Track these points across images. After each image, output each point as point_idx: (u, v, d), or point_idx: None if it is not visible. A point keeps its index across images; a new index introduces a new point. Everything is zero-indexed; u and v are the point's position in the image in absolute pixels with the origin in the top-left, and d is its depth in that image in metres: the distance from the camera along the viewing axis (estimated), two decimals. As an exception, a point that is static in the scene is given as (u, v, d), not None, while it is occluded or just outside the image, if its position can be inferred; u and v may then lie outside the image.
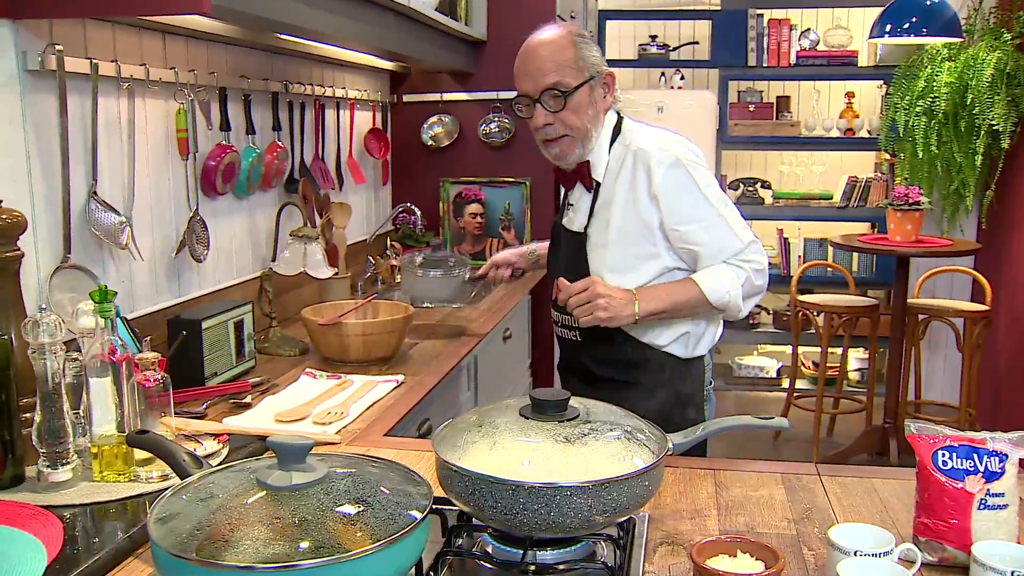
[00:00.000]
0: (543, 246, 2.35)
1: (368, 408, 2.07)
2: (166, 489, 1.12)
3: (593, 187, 2.00)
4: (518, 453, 1.21)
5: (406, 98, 3.90)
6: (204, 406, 2.05)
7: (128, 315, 2.18)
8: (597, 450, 1.22)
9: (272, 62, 2.88)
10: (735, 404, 5.31)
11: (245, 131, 2.71)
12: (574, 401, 1.31)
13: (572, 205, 2.08)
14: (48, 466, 1.46)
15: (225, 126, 2.56)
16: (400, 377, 2.28)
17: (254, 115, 2.74)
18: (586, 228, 2.02)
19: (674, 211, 1.91)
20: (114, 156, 2.15)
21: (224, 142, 2.56)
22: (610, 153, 1.99)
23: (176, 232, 2.41)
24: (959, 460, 1.22)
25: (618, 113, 2.05)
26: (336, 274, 2.72)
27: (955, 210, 4.68)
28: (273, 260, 2.71)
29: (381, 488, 1.09)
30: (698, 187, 1.92)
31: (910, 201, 4.04)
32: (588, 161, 1.99)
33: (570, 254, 2.05)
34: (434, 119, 3.90)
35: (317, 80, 3.19)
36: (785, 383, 5.44)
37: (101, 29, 2.08)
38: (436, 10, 3.15)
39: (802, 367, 5.38)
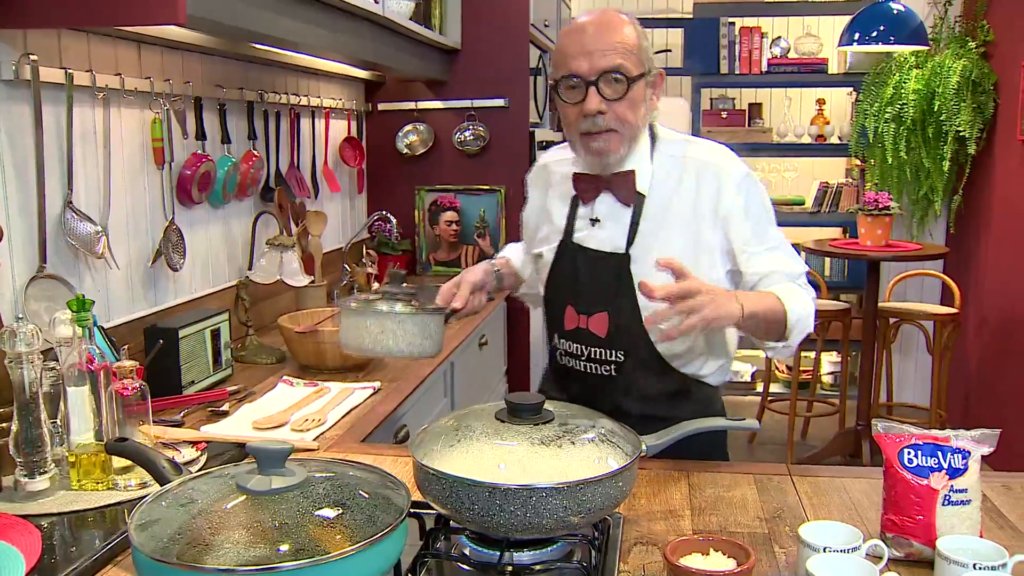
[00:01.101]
0: (503, 261, 2.05)
1: (345, 415, 2.08)
2: (145, 496, 1.13)
3: (634, 200, 1.75)
4: (494, 456, 1.23)
5: (381, 106, 3.92)
6: (182, 415, 2.06)
7: (104, 324, 2.18)
8: (572, 452, 1.24)
9: (247, 71, 2.89)
10: (710, 408, 5.35)
11: (221, 140, 2.71)
12: (549, 404, 1.33)
13: (598, 221, 1.78)
14: (25, 475, 1.46)
15: (201, 135, 2.57)
16: (376, 384, 2.29)
17: (229, 124, 2.75)
18: (628, 248, 1.75)
19: (744, 232, 1.72)
20: (89, 166, 2.15)
21: (200, 151, 2.56)
22: (653, 162, 1.76)
23: (152, 241, 2.41)
24: (924, 458, 1.26)
25: None
26: (312, 282, 2.73)
27: (924, 215, 4.75)
28: (249, 269, 2.72)
29: (359, 492, 1.11)
30: (766, 206, 1.77)
31: (880, 206, 4.10)
32: (633, 170, 1.74)
33: (603, 279, 1.76)
34: (409, 127, 3.92)
35: (292, 89, 3.20)
36: (759, 387, 5.49)
37: (76, 39, 2.08)
38: (411, 19, 3.17)
39: (776, 371, 5.43)
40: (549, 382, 1.98)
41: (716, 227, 1.71)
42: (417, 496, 1.26)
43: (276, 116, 3.06)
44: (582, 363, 1.81)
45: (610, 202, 1.77)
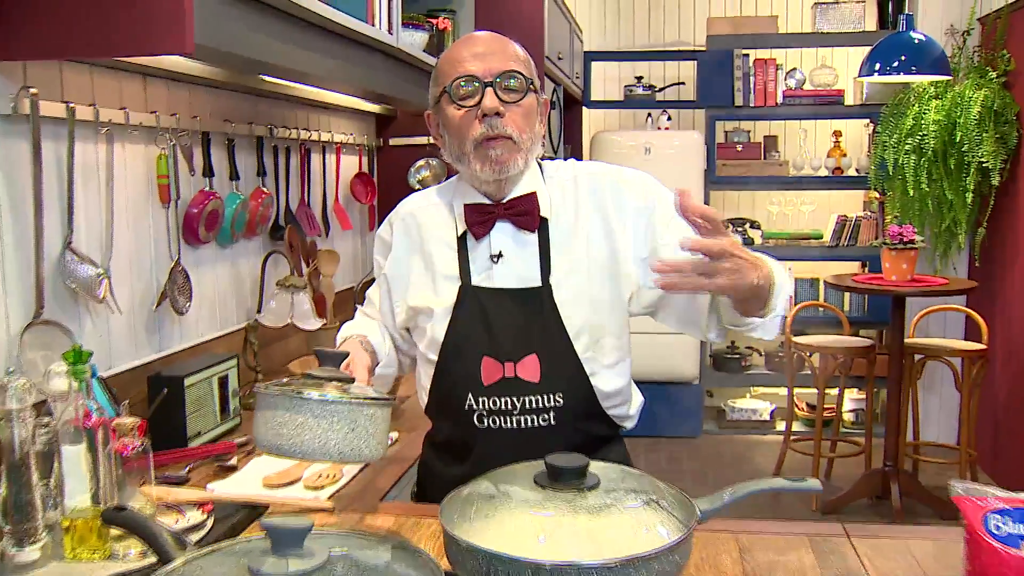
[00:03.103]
0: (362, 338, 1.72)
1: (362, 469, 1.95)
2: (146, 568, 1.01)
3: (538, 226, 1.65)
4: (535, 528, 1.10)
5: (392, 141, 3.82)
6: (187, 469, 1.94)
7: (106, 372, 2.06)
8: (621, 522, 1.11)
9: (257, 105, 2.79)
10: (729, 449, 5.21)
11: (229, 176, 2.61)
12: (593, 467, 1.20)
13: (500, 256, 1.65)
14: (15, 545, 1.34)
15: (208, 172, 2.47)
16: (394, 435, 2.17)
17: (238, 160, 2.64)
18: (545, 279, 1.63)
19: (661, 222, 1.64)
20: (91, 204, 2.05)
21: (207, 188, 2.46)
22: (546, 185, 1.69)
23: (157, 283, 2.30)
24: (1014, 525, 1.13)
25: None
26: (324, 325, 2.61)
27: (947, 248, 4.63)
28: (258, 311, 2.60)
29: (386, 573, 0.98)
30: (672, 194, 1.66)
31: (905, 240, 3.98)
32: (535, 192, 1.65)
33: (523, 318, 1.62)
34: (421, 162, 3.81)
35: (303, 124, 3.11)
36: (779, 426, 5.36)
37: (78, 71, 1.98)
38: (424, 51, 3.08)
39: (796, 409, 5.29)
40: (437, 464, 1.78)
41: (628, 233, 1.65)
42: (446, 565, 1.13)
43: (286, 151, 2.96)
44: (514, 418, 1.62)
45: (510, 232, 1.65)
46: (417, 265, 1.76)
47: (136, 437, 1.45)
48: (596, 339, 1.66)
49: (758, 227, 5.40)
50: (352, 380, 1.36)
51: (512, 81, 1.60)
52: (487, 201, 1.68)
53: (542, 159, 1.80)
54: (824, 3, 5.10)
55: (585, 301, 1.64)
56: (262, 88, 2.69)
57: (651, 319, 1.77)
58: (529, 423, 1.62)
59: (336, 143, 3.33)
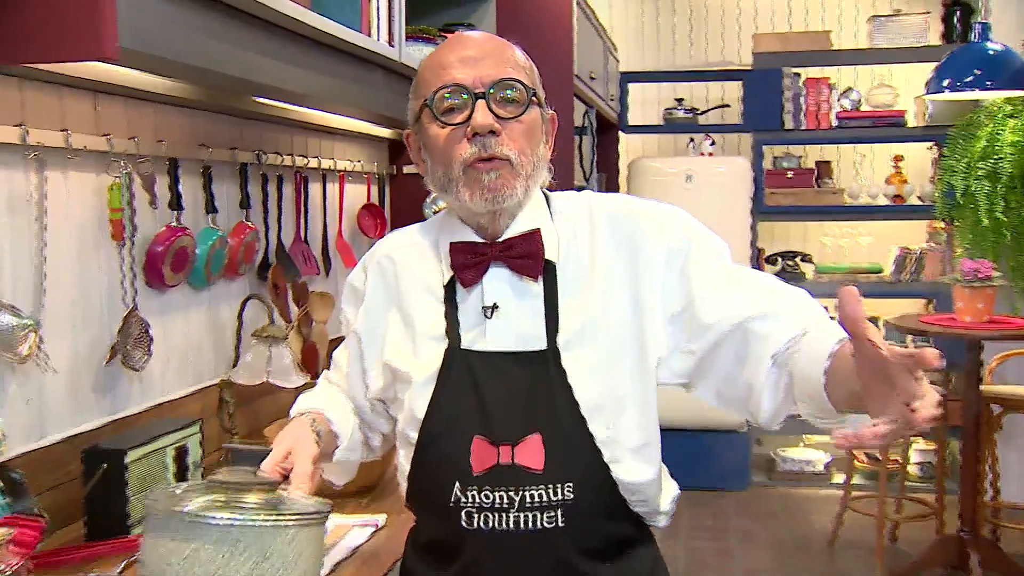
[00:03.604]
0: (317, 415, 1.39)
1: (342, 561, 1.63)
2: None
3: (543, 272, 1.34)
4: None
5: (406, 169, 3.47)
6: (122, 567, 1.58)
7: (39, 443, 1.73)
8: None
9: (242, 129, 2.46)
10: (780, 504, 4.76)
11: (205, 210, 2.27)
12: None
13: (495, 309, 1.34)
14: None
15: (176, 204, 2.12)
16: (381, 519, 1.80)
17: (217, 191, 2.30)
18: (552, 339, 1.32)
19: (699, 269, 1.33)
20: (18, 244, 1.71)
21: (174, 223, 2.12)
22: (553, 222, 1.39)
23: (109, 334, 1.95)
24: None
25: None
26: (309, 382, 2.24)
27: (1027, 284, 4.18)
28: (235, 364, 2.24)
29: None
30: (714, 236, 1.38)
31: (981, 276, 3.54)
32: (538, 229, 1.35)
33: (524, 389, 1.31)
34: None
35: (299, 149, 2.76)
36: (835, 478, 4.90)
37: (4, 85, 1.66)
38: (435, 68, 2.73)
39: (855, 460, 4.83)
40: (420, 567, 1.42)
41: (657, 282, 1.33)
42: None
43: (278, 180, 2.62)
44: (512, 517, 1.28)
45: (508, 278, 1.34)
46: (394, 320, 1.43)
47: (10, 554, 1.09)
48: (616, 416, 1.31)
49: (810, 261, 4.99)
50: (281, 482, 1.00)
51: (510, 91, 1.30)
52: (479, 239, 1.36)
53: (554, 188, 1.45)
54: (882, 16, 4.70)
55: (602, 368, 1.32)
56: (251, 110, 2.36)
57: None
58: (531, 523, 1.27)
59: (340, 171, 2.98)
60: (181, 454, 1.88)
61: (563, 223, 1.39)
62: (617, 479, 1.30)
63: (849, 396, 1.12)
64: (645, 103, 5.39)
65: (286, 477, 1.24)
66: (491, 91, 1.29)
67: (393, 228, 3.43)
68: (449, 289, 1.38)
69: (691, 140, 5.07)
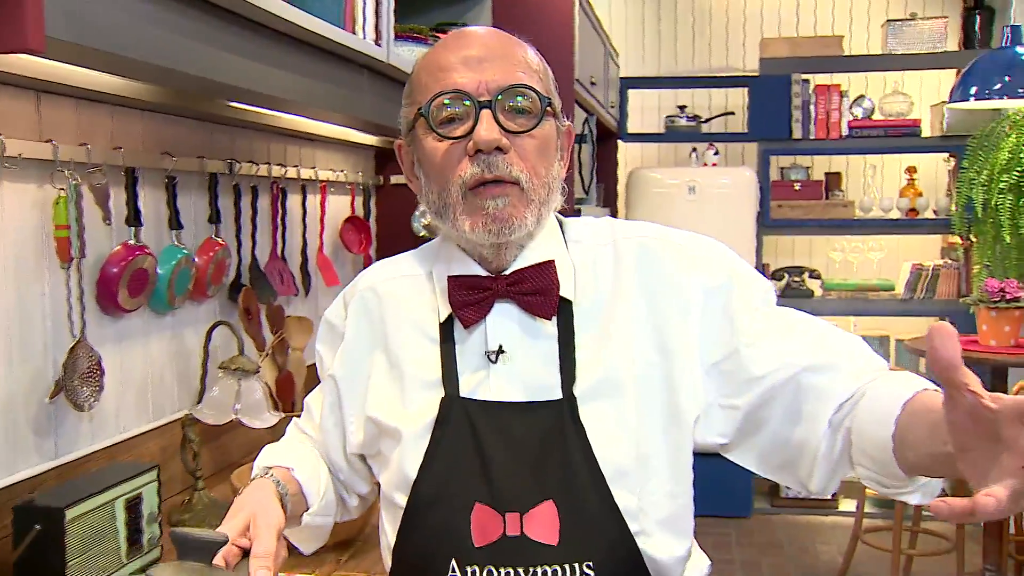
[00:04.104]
0: (283, 473, 1.20)
1: None
2: None
3: (557, 310, 1.17)
4: None
5: (393, 179, 3.24)
6: (53, 650, 1.34)
7: (-38, 497, 1.48)
8: None
9: (212, 135, 2.22)
10: (785, 534, 4.52)
11: (169, 225, 2.03)
12: None
13: (502, 353, 1.16)
14: None
15: (133, 220, 1.88)
16: (360, 583, 1.57)
17: (182, 204, 2.07)
18: (568, 387, 1.14)
19: (735, 321, 1.15)
20: (-61, 267, 1.47)
21: (132, 241, 1.88)
22: (569, 252, 1.22)
23: (53, 368, 1.71)
24: None
25: None
26: (284, 419, 2.00)
27: (1052, 304, 3.96)
28: (200, 401, 2.00)
29: None
30: (757, 274, 1.22)
31: (1008, 297, 3.32)
32: (552, 260, 1.18)
33: (536, 446, 1.13)
34: (429, 204, 3.22)
35: (276, 158, 2.53)
36: (842, 505, 4.68)
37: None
38: (427, 70, 2.50)
39: (867, 488, 4.60)
40: None
41: (693, 325, 1.15)
42: None
43: (252, 192, 2.38)
44: None
45: (516, 317, 1.18)
46: (379, 364, 1.23)
47: None
48: (643, 482, 1.13)
49: (818, 277, 4.79)
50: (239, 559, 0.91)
51: (520, 100, 1.13)
52: (482, 272, 1.19)
53: (564, 213, 1.24)
54: (897, 20, 4.49)
55: (627, 424, 1.14)
56: (222, 115, 2.12)
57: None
58: None
59: (321, 181, 2.74)
60: (134, 506, 1.64)
61: (581, 254, 1.22)
62: (645, 555, 1.12)
63: (926, 459, 0.95)
64: (645, 110, 5.18)
65: (245, 553, 1.03)
66: (498, 99, 1.11)
67: (379, 243, 3.22)
68: (446, 329, 1.19)
69: (694, 150, 4.86)
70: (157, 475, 1.71)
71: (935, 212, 4.62)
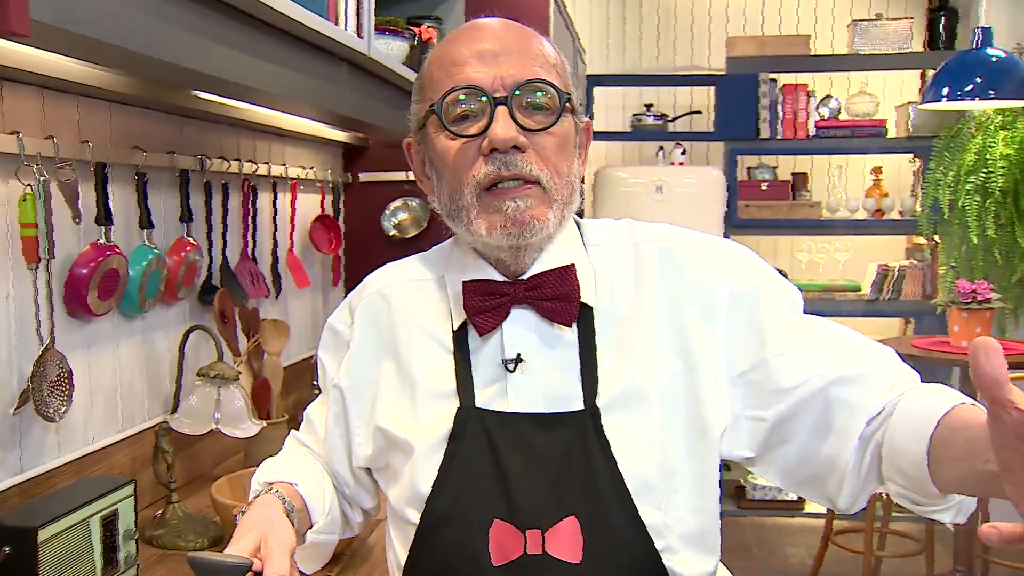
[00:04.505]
0: (288, 490, 1.12)
1: None
2: None
3: (578, 317, 1.12)
4: None
5: (363, 177, 3.14)
6: None
7: (-78, 518, 1.37)
8: None
9: (183, 129, 2.12)
10: (753, 535, 4.51)
11: (139, 225, 1.92)
12: None
13: (520, 362, 1.11)
14: None
15: (104, 218, 1.78)
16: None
17: (153, 202, 1.96)
18: (591, 398, 1.08)
19: (769, 321, 1.11)
20: None
21: (102, 240, 1.77)
22: (588, 256, 1.17)
23: (19, 377, 1.60)
24: None
25: None
26: (264, 427, 1.90)
27: (1018, 305, 3.98)
28: (175, 410, 1.89)
29: None
30: (784, 280, 1.19)
31: (979, 298, 3.33)
32: (572, 264, 1.12)
33: (557, 461, 1.07)
34: (398, 203, 3.13)
35: (247, 154, 2.43)
36: (808, 506, 4.67)
37: None
38: (404, 64, 2.42)
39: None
40: None
41: (719, 334, 1.10)
42: None
43: (223, 190, 2.28)
44: None
45: (535, 325, 1.12)
46: (389, 374, 1.16)
47: None
48: (668, 496, 1.08)
49: (784, 277, 4.75)
50: None
51: (539, 95, 1.08)
52: (498, 277, 1.14)
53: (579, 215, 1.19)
54: (863, 20, 4.49)
55: (652, 436, 1.09)
56: (191, 107, 2.02)
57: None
58: None
59: (291, 179, 2.64)
60: (110, 523, 1.54)
61: (601, 258, 1.18)
62: (671, 573, 1.06)
63: (963, 477, 0.89)
64: (610, 109, 5.12)
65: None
66: (515, 95, 1.07)
67: (348, 243, 3.13)
68: (460, 336, 1.14)
69: (660, 149, 4.82)
70: (134, 490, 1.61)
71: (900, 213, 4.63)
